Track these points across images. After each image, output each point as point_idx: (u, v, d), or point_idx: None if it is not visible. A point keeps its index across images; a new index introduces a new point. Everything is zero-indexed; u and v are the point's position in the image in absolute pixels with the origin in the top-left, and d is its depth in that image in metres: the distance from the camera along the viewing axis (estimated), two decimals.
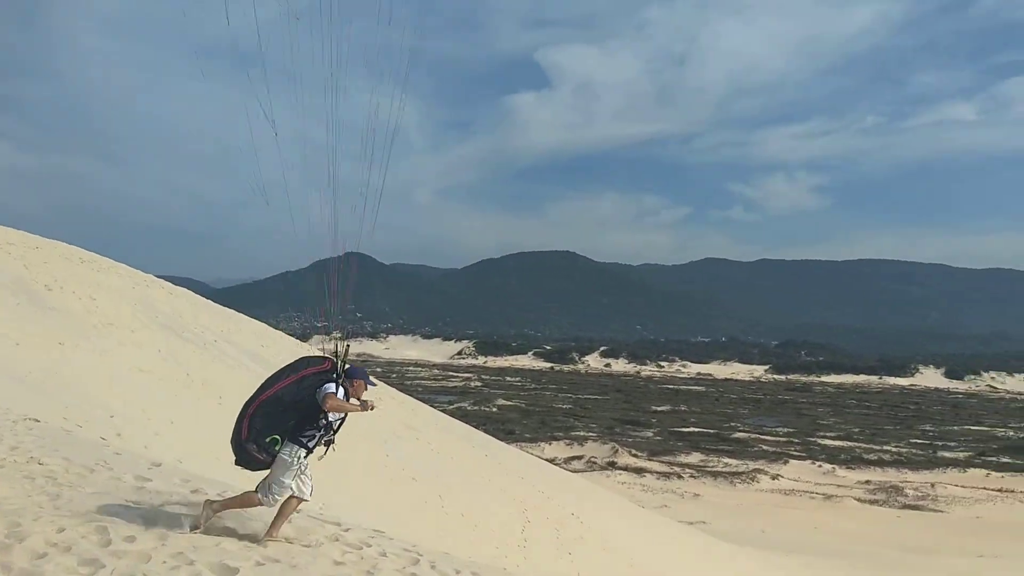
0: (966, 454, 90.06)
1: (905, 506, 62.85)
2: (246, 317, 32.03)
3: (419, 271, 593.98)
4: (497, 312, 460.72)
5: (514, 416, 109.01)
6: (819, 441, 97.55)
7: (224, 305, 32.67)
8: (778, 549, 37.66)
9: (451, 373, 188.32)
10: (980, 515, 58.21)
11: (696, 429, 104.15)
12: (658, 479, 69.90)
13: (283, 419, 6.63)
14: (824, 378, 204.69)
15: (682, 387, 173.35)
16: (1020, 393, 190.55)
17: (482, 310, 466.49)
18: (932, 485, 69.17)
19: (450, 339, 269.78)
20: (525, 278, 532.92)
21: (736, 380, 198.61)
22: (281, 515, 6.80)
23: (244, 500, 6.82)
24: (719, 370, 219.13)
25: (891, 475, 75.34)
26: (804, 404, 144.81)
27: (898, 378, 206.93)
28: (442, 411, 36.64)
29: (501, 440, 34.70)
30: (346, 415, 6.82)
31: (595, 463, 75.55)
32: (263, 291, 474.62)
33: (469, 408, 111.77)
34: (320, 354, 7.25)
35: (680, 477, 71.14)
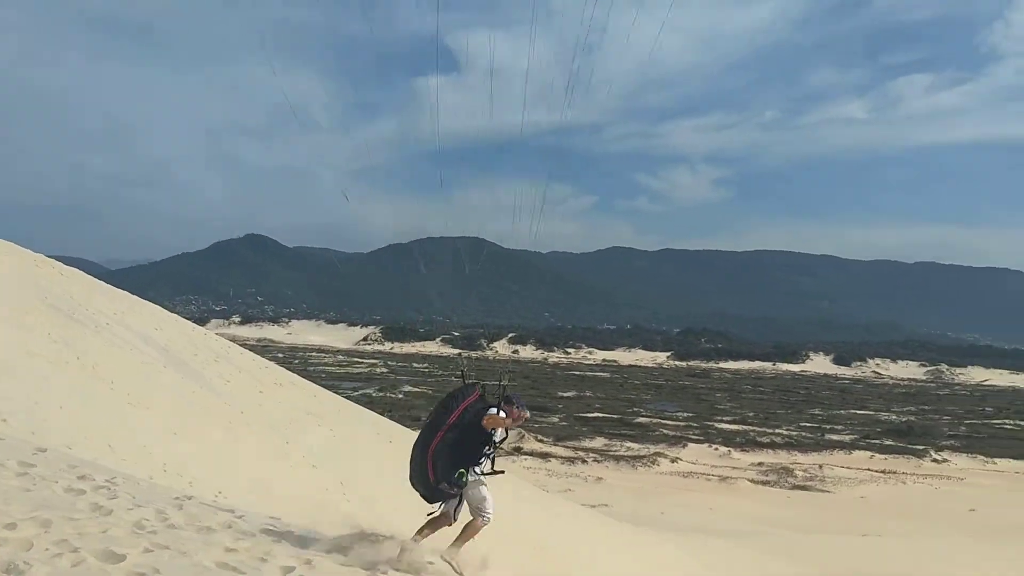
0: (852, 437, 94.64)
1: (795, 487, 65.64)
2: (141, 300, 30.83)
3: (323, 254, 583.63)
4: (404, 298, 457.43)
5: (421, 403, 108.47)
6: (716, 425, 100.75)
7: (119, 287, 31.36)
8: (675, 530, 38.78)
9: (356, 359, 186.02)
10: (864, 495, 61.30)
11: (601, 414, 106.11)
12: (563, 464, 70.95)
13: (461, 453, 7.42)
14: (722, 364, 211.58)
15: (588, 373, 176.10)
16: (903, 379, 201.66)
17: (389, 295, 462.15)
18: (820, 467, 72.46)
19: (355, 324, 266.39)
20: (433, 263, 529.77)
21: (640, 366, 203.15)
22: (466, 534, 7.61)
23: (438, 524, 7.70)
24: (624, 357, 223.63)
25: (782, 457, 78.53)
26: (703, 389, 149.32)
27: (790, 364, 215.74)
28: (346, 398, 36.16)
29: (407, 427, 34.44)
30: (507, 431, 7.72)
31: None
32: (159, 273, 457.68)
33: (375, 395, 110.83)
34: (465, 384, 7.85)
35: (584, 461, 72.39)
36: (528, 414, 7.95)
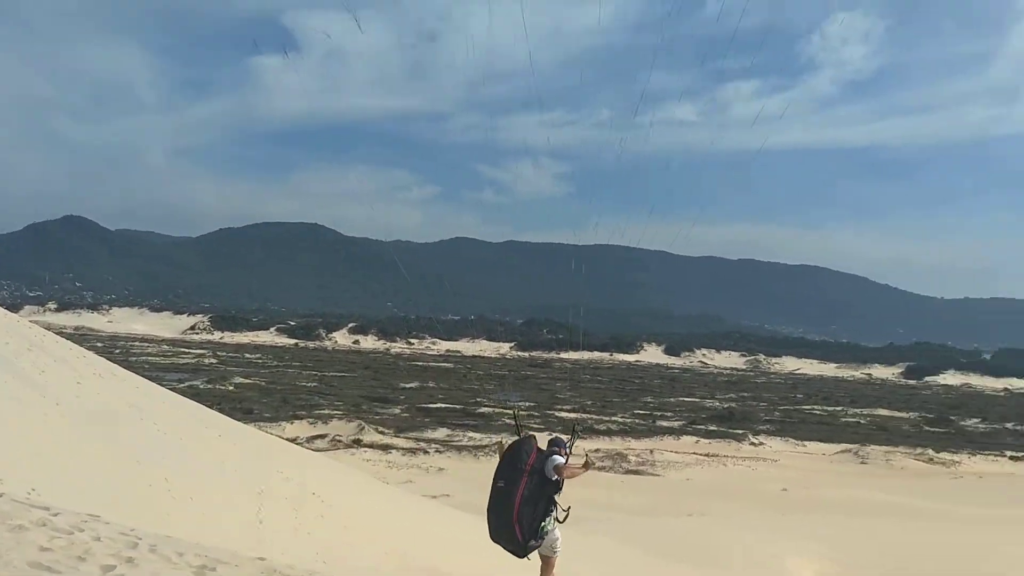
0: (680, 423, 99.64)
1: (628, 471, 68.19)
2: None
3: (149, 238, 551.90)
4: (237, 285, 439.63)
5: (253, 395, 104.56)
6: (557, 414, 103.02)
7: None
8: None
9: (183, 349, 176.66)
10: (690, 477, 64.54)
11: (443, 405, 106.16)
12: (404, 455, 70.34)
13: (539, 509, 8.00)
14: (563, 355, 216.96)
15: (431, 364, 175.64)
16: (726, 368, 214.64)
17: (220, 282, 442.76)
18: (651, 451, 75.71)
19: (182, 313, 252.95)
20: (269, 250, 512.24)
21: (483, 357, 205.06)
22: (547, 572, 8.54)
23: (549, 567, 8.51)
24: (467, 347, 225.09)
25: (617, 443, 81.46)
26: (544, 379, 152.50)
27: (626, 355, 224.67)
28: (171, 390, 34.10)
29: (238, 420, 32.95)
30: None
31: (340, 441, 74.50)
32: None
33: (202, 387, 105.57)
34: (519, 437, 8.32)
35: (426, 452, 72.11)
36: (594, 461, 8.93)
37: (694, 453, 76.50)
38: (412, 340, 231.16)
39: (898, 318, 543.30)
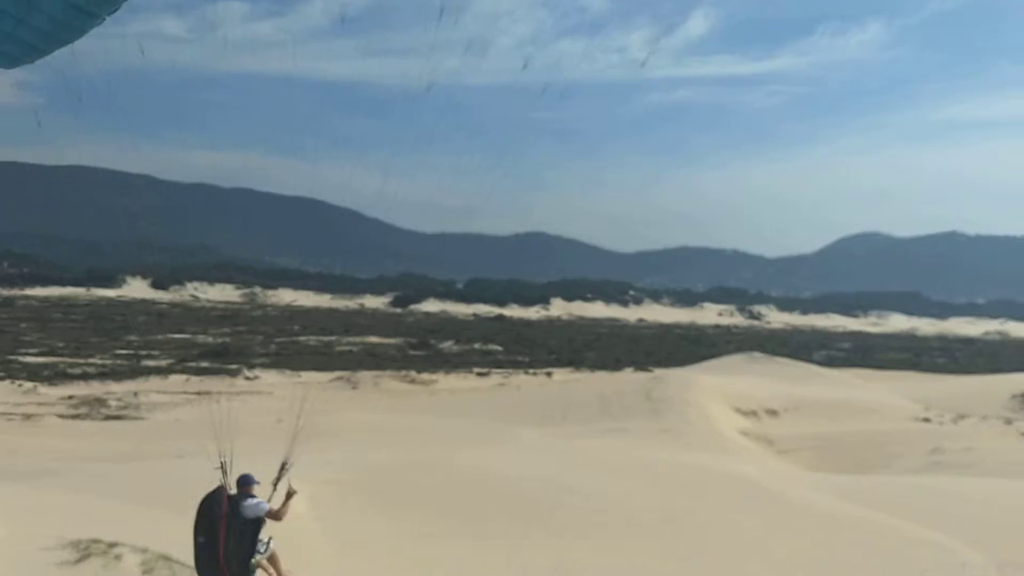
0: (168, 361, 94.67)
1: (108, 417, 62.74)
2: None
3: None
4: None
5: None
6: (21, 359, 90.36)
7: None
8: None
9: None
10: (180, 418, 61.57)
11: None
12: None
13: (243, 551, 8.16)
14: (29, 291, 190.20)
15: None
16: (220, 302, 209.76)
17: None
18: (135, 394, 70.68)
19: None
20: None
21: None
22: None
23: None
24: None
25: (96, 388, 74.43)
26: (6, 320, 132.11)
27: (106, 289, 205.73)
28: None
29: None
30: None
31: None
32: None
33: None
34: (208, 491, 8.45)
35: None
36: (295, 490, 9.31)
37: (184, 392, 73.38)
38: None
39: (387, 250, 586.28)
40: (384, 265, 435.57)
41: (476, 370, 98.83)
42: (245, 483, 8.79)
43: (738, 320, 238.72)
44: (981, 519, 30.10)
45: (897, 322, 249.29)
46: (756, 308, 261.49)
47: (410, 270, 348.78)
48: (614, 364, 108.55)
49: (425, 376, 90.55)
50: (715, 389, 63.54)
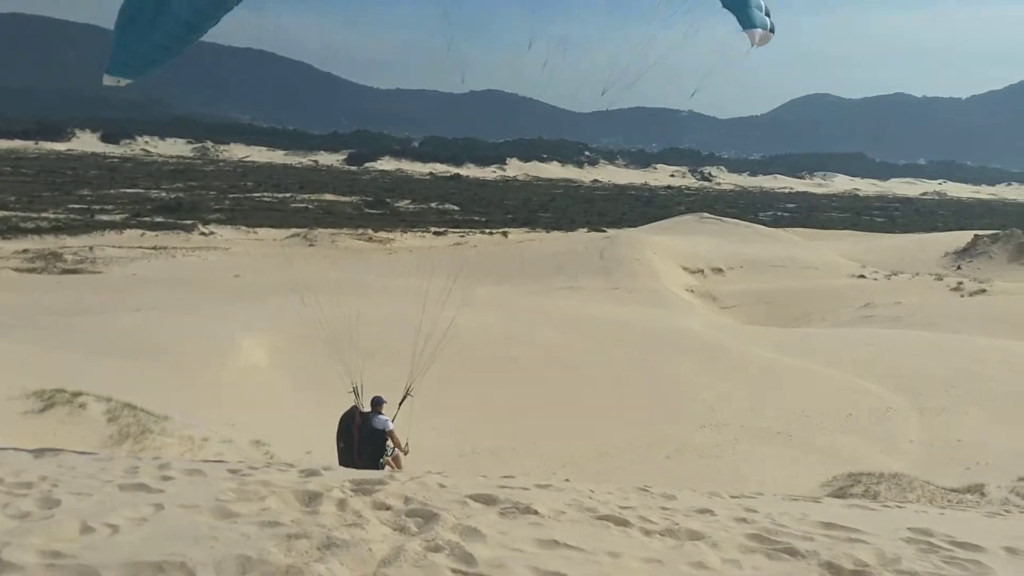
0: (123, 216, 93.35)
1: (65, 271, 62.43)
2: None
3: None
4: None
5: None
6: None
7: None
8: None
9: None
10: (136, 272, 61.58)
11: None
12: None
13: (375, 452, 10.37)
14: None
15: None
16: (172, 156, 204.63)
17: None
18: (91, 248, 70.06)
19: None
20: None
21: None
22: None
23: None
24: None
25: (50, 242, 73.54)
26: None
27: (55, 143, 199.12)
28: None
29: None
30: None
31: None
32: None
33: None
34: (345, 410, 10.69)
35: None
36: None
37: (140, 247, 72.96)
38: None
39: (341, 107, 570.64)
40: (338, 122, 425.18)
41: (433, 229, 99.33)
42: (377, 403, 10.65)
43: (690, 181, 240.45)
44: (906, 368, 32.39)
45: (841, 183, 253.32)
46: (707, 169, 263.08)
47: (365, 127, 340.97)
48: (569, 224, 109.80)
49: (382, 235, 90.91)
50: (665, 249, 65.21)
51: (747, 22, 8.11)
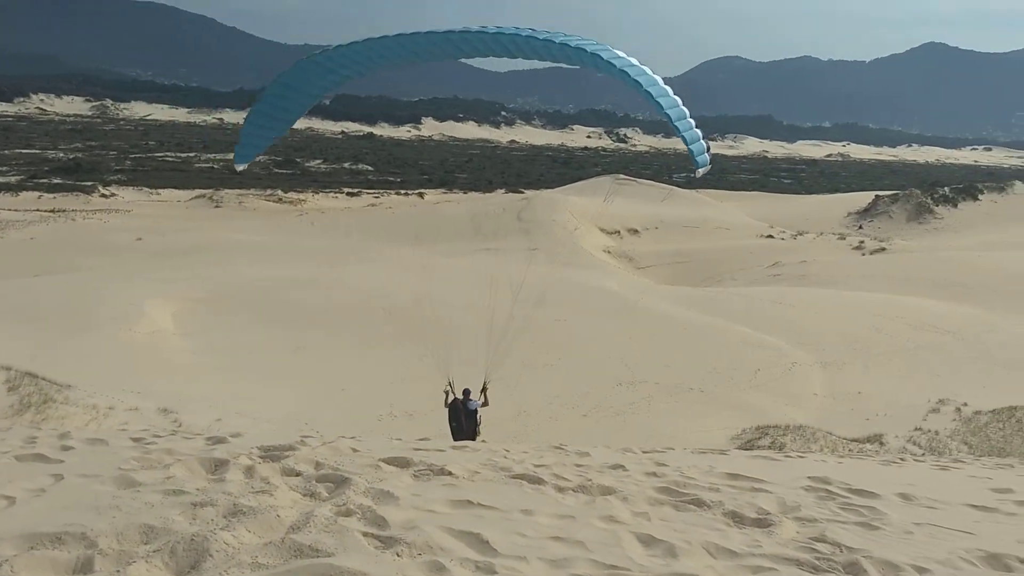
0: (18, 178, 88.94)
1: None
2: None
3: None
4: None
5: None
6: None
7: None
8: None
9: None
10: (34, 236, 58.74)
11: None
12: None
13: (472, 426, 13.76)
14: None
15: None
16: (69, 115, 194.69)
17: None
18: None
19: None
20: None
21: None
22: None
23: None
24: None
25: None
26: None
27: None
28: None
29: None
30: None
31: None
32: None
33: None
34: (450, 401, 14.07)
35: None
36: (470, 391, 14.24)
37: (38, 210, 69.54)
38: None
39: (246, 62, 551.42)
40: (244, 77, 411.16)
41: (346, 190, 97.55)
42: (466, 394, 13.90)
43: (606, 143, 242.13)
44: (810, 324, 33.70)
45: (751, 145, 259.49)
46: (623, 131, 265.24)
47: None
48: (486, 185, 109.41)
49: (293, 195, 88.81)
50: (582, 210, 65.74)
51: (695, 163, 10.97)
